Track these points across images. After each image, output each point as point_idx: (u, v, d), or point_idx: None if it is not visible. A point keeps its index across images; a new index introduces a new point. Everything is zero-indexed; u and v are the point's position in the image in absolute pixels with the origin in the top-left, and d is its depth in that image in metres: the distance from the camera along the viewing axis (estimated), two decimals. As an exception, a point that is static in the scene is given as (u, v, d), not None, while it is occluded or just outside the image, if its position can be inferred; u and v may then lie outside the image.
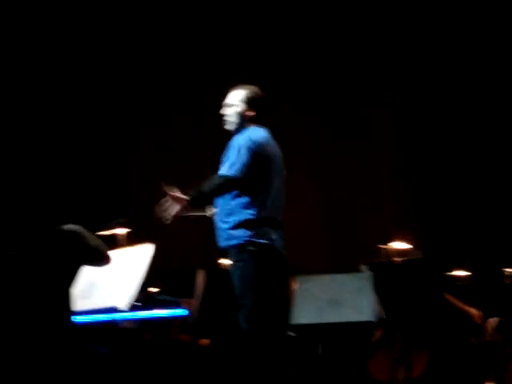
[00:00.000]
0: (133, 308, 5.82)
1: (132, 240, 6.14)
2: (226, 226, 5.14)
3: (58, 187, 9.33)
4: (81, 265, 4.98)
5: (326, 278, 5.74)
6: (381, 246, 7.90)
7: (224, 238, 5.17)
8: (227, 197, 5.13)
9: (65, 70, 10.01)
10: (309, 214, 10.22)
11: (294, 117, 10.49)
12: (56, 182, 9.43)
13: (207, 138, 10.08)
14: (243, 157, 5.03)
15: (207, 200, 5.17)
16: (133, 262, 5.71)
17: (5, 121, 9.68)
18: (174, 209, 5.03)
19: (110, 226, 6.49)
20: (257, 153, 5.07)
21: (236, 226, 5.09)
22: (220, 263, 7.31)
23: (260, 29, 10.31)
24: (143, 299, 6.57)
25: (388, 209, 10.44)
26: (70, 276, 4.96)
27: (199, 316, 6.34)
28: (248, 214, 5.08)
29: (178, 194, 5.03)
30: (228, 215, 5.14)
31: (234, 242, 5.11)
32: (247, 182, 5.06)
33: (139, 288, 5.62)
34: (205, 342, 7.00)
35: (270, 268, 5.06)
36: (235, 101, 5.28)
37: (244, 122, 5.24)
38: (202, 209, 5.28)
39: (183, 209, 5.04)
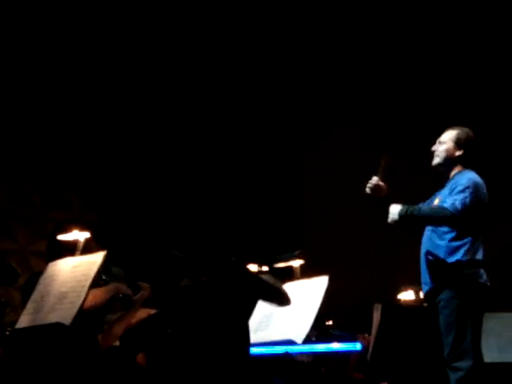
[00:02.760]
0: (308, 341, 5.79)
1: (307, 272, 6.12)
2: (445, 265, 5.27)
3: (236, 221, 9.49)
4: (257, 299, 5.02)
5: (509, 316, 5.53)
6: None
7: (439, 276, 5.30)
8: (446, 237, 5.30)
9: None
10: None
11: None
12: (234, 216, 9.58)
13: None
14: (467, 199, 5.21)
15: (420, 222, 5.36)
16: (308, 295, 5.68)
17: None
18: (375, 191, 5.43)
19: (286, 258, 6.49)
20: (479, 197, 5.29)
21: (457, 266, 5.22)
22: (398, 299, 7.17)
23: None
24: (319, 333, 6.54)
25: None
26: (248, 309, 5.00)
27: (375, 353, 6.23)
28: (468, 255, 5.23)
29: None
30: (448, 255, 5.28)
31: (452, 280, 5.23)
32: (466, 223, 5.22)
33: (314, 321, 5.59)
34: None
35: (482, 307, 5.21)
36: (446, 139, 5.48)
37: (451, 160, 5.44)
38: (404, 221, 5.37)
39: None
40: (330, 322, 7.22)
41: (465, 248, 5.24)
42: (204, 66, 10.05)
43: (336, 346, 6.23)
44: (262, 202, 10.11)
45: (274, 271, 6.54)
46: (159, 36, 9.89)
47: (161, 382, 4.87)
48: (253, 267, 6.64)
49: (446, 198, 5.29)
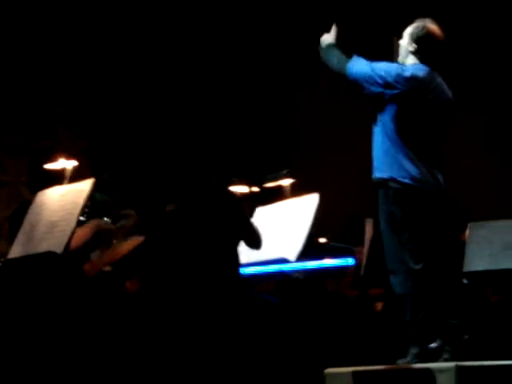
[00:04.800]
0: (302, 258, 5.83)
1: (297, 190, 6.13)
2: (378, 158, 5.05)
3: (225, 140, 9.45)
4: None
5: (500, 224, 5.52)
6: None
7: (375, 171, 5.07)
8: (380, 124, 5.03)
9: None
10: (476, 154, 9.83)
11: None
12: (223, 135, 9.53)
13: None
14: (371, 65, 4.96)
15: (328, 61, 5.15)
16: (299, 213, 5.70)
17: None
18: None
19: (275, 177, 6.50)
20: (393, 78, 4.94)
21: (384, 161, 4.98)
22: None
23: None
24: (314, 249, 6.58)
25: None
26: (237, 230, 5.00)
27: (368, 267, 6.28)
28: (396, 147, 4.95)
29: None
30: (380, 145, 5.03)
31: (380, 178, 5.00)
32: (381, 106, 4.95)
33: (307, 238, 5.62)
34: (377, 291, 6.93)
35: (412, 208, 4.90)
36: (405, 33, 5.19)
37: (405, 56, 5.14)
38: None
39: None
40: (324, 240, 7.24)
41: (391, 141, 4.94)
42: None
43: (329, 261, 6.27)
44: (251, 120, 10.04)
45: (263, 191, 6.57)
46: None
47: (151, 306, 4.92)
48: (242, 187, 6.67)
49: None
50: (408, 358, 4.80)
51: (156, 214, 4.93)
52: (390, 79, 4.95)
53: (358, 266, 6.58)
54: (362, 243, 6.50)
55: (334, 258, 6.35)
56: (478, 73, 9.74)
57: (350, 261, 6.33)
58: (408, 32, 5.16)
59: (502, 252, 5.33)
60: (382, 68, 5.00)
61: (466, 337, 4.88)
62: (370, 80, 4.96)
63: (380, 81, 4.95)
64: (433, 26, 5.13)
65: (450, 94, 5.16)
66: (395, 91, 4.94)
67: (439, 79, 5.13)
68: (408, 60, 5.11)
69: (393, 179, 4.92)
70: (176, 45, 9.92)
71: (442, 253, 5.03)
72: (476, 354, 4.94)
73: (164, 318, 4.76)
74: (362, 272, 6.39)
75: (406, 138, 4.94)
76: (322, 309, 6.68)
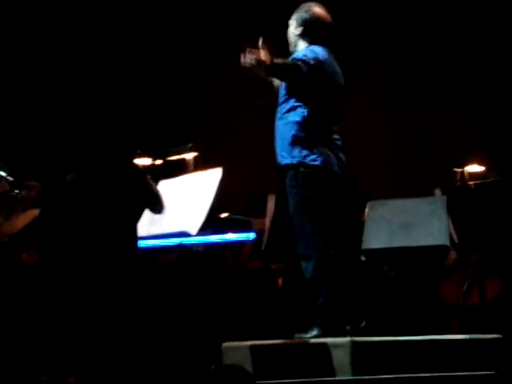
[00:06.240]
0: (203, 232, 5.84)
1: (200, 165, 6.12)
2: (284, 142, 4.99)
3: (129, 112, 9.36)
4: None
5: (398, 203, 5.65)
6: (456, 170, 7.71)
7: (280, 156, 5.01)
8: (282, 109, 5.00)
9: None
10: (376, 136, 10.02)
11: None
12: (127, 107, 9.44)
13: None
14: (308, 56, 4.87)
15: (279, 73, 4.91)
16: (202, 187, 5.70)
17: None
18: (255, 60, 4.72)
19: (179, 151, 6.48)
20: (318, 60, 4.90)
21: (293, 143, 4.92)
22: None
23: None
24: (215, 223, 6.60)
25: (464, 130, 10.14)
26: (140, 203, 4.97)
27: (270, 241, 6.33)
28: (303, 132, 4.91)
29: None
30: (286, 129, 4.97)
31: (289, 161, 4.96)
32: (304, 91, 4.88)
33: (208, 212, 5.63)
34: (278, 266, 7.00)
35: (323, 191, 4.89)
36: (291, 20, 5.15)
37: (294, 40, 5.11)
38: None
39: (262, 62, 4.72)
40: (226, 214, 7.27)
41: (307, 125, 4.89)
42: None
43: (230, 236, 6.29)
44: (156, 93, 9.97)
45: (167, 164, 6.54)
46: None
47: (49, 278, 4.88)
48: (146, 160, 6.64)
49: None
50: (308, 335, 4.84)
51: (57, 184, 4.85)
52: (312, 62, 4.92)
53: (258, 237, 6.61)
54: (262, 216, 6.54)
55: (235, 232, 6.38)
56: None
57: (251, 235, 6.37)
58: (293, 18, 5.13)
59: (399, 230, 5.44)
60: (301, 53, 4.95)
61: (364, 323, 4.94)
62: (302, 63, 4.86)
63: (308, 60, 4.91)
64: (317, 8, 5.10)
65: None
66: (319, 73, 4.94)
67: (335, 61, 5.15)
68: (299, 45, 5.07)
69: (302, 164, 4.89)
70: (74, 13, 9.74)
71: (347, 234, 5.09)
72: (372, 329, 5.04)
73: (61, 291, 4.72)
74: (264, 247, 6.43)
75: (315, 122, 4.92)
76: (221, 282, 6.72)
